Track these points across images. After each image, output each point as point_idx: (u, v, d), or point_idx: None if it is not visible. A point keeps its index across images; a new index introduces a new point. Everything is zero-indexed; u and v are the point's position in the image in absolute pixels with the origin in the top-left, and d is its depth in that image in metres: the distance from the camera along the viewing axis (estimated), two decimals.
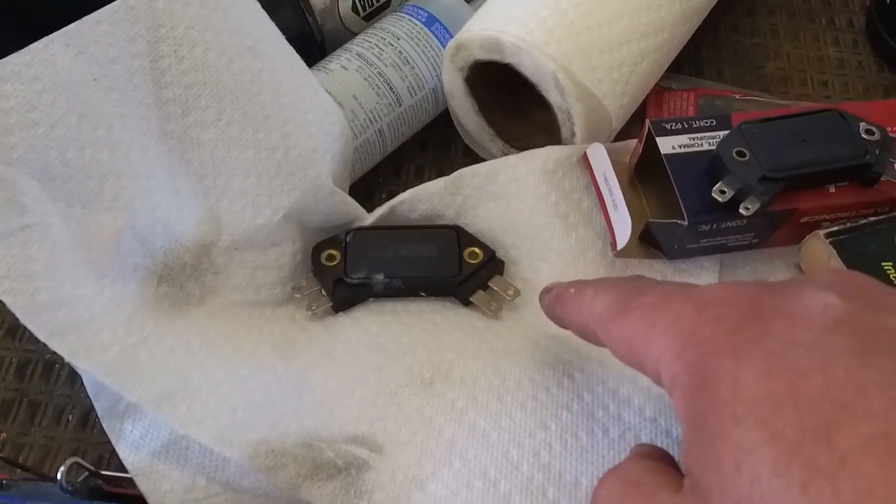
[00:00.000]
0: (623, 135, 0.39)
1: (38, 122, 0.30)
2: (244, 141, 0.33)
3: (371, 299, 0.35)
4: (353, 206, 0.36)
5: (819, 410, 0.18)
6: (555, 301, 0.29)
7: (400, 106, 0.39)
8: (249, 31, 0.34)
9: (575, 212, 0.36)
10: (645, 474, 0.23)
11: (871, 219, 0.34)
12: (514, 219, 0.36)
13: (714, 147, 0.33)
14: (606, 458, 0.28)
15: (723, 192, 0.32)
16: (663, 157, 0.33)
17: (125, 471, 0.29)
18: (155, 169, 0.33)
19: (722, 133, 0.33)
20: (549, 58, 0.35)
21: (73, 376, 0.35)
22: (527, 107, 0.40)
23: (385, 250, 0.35)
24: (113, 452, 0.30)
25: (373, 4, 0.43)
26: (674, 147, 0.34)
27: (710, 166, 0.33)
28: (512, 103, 0.41)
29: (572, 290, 0.27)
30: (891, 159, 0.33)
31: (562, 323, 0.29)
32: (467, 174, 0.37)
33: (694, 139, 0.34)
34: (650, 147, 0.34)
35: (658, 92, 0.44)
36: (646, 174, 0.35)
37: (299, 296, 0.35)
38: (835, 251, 0.33)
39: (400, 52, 0.39)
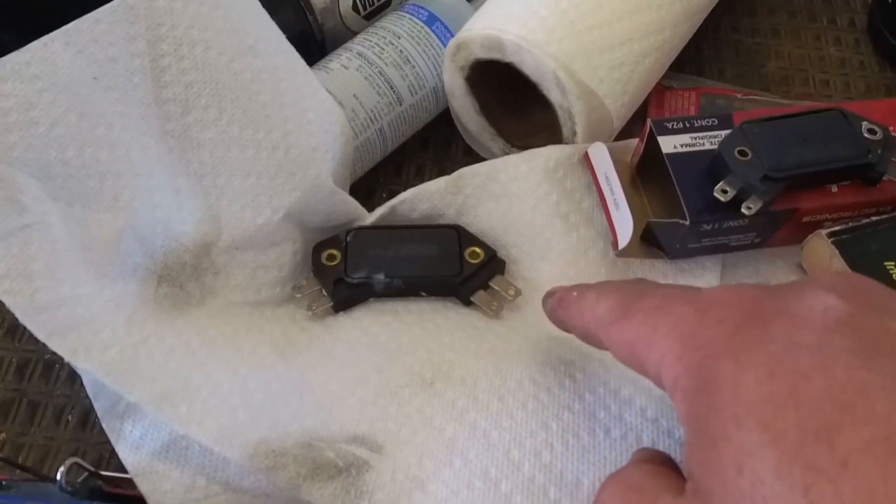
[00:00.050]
0: (624, 134, 0.39)
1: (38, 121, 0.30)
2: (244, 140, 0.33)
3: (372, 299, 0.35)
4: (353, 206, 0.36)
5: (820, 412, 0.18)
6: (557, 305, 0.29)
7: (400, 105, 0.39)
8: (250, 30, 0.34)
9: (576, 211, 0.36)
10: (646, 479, 0.23)
11: (874, 218, 0.34)
12: (515, 218, 0.36)
13: (716, 146, 0.33)
14: (608, 459, 0.27)
15: (725, 192, 0.32)
16: (665, 156, 0.33)
17: (125, 471, 0.29)
18: (155, 168, 0.32)
19: (723, 132, 0.33)
20: (550, 57, 0.34)
21: (73, 376, 0.35)
22: (528, 106, 0.40)
23: (386, 250, 0.35)
24: (113, 453, 0.30)
25: (373, 3, 0.42)
26: (675, 146, 0.33)
27: (711, 166, 0.33)
28: (513, 102, 0.41)
29: (574, 294, 0.27)
30: (893, 159, 0.33)
31: (564, 327, 0.29)
32: (468, 173, 0.36)
33: (695, 138, 0.34)
34: (652, 146, 0.34)
35: (659, 91, 0.44)
36: (647, 173, 0.35)
37: (300, 296, 0.35)
38: (837, 251, 0.33)
39: (401, 51, 0.39)
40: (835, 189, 0.33)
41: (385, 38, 0.40)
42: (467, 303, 0.35)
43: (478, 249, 0.35)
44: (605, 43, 0.35)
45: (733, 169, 0.31)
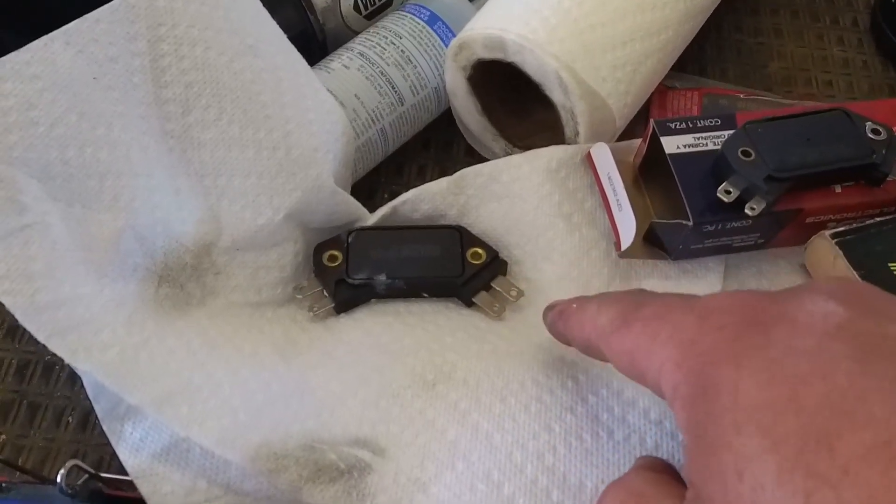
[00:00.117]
0: (627, 134, 0.39)
1: (38, 120, 0.30)
2: (245, 140, 0.33)
3: (373, 300, 0.35)
4: (354, 206, 0.36)
5: (821, 418, 0.18)
6: (557, 317, 0.29)
7: (402, 105, 0.39)
8: (250, 30, 0.34)
9: (578, 211, 0.36)
10: (647, 486, 0.23)
11: (878, 219, 0.34)
12: (517, 219, 0.36)
13: (719, 147, 0.33)
14: (611, 461, 0.27)
15: (728, 192, 0.31)
16: (668, 156, 0.33)
17: (125, 473, 0.29)
18: (155, 168, 0.32)
19: (727, 132, 0.33)
20: (552, 56, 0.34)
21: (73, 378, 0.34)
22: (530, 106, 0.40)
23: (387, 251, 0.35)
24: (113, 455, 0.30)
25: (375, 3, 0.42)
26: (678, 147, 0.33)
27: (714, 166, 0.33)
28: (515, 102, 0.41)
29: (575, 306, 0.27)
30: None
31: (565, 339, 0.28)
32: (470, 174, 0.36)
33: (698, 139, 0.34)
34: (654, 146, 0.34)
35: (662, 91, 0.44)
36: (650, 174, 0.35)
37: (301, 296, 0.35)
38: (841, 252, 0.33)
39: (402, 50, 0.39)
40: (839, 189, 0.33)
41: (386, 37, 0.39)
42: (469, 304, 0.35)
43: (480, 250, 0.35)
44: (608, 42, 0.35)
45: (737, 169, 0.31)
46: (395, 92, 0.39)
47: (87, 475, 0.28)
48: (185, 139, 0.33)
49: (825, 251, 0.34)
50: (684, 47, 0.41)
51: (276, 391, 0.30)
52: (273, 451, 0.28)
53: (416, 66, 0.39)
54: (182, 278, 0.33)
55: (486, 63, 0.37)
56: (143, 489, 0.29)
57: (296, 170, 0.34)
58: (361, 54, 0.39)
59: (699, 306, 0.23)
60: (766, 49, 0.48)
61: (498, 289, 0.35)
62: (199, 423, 0.28)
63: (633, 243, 0.33)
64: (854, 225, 0.34)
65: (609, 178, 0.35)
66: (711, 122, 0.34)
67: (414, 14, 0.40)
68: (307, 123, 0.34)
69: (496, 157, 0.41)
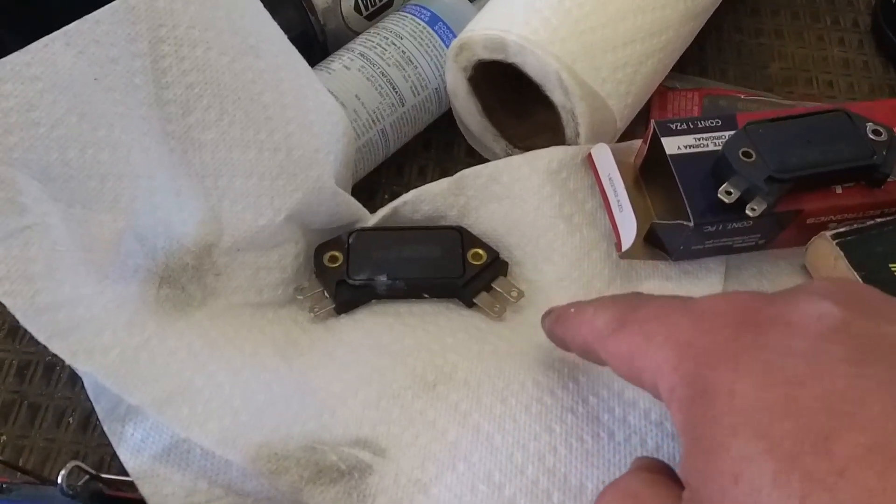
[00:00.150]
0: (627, 135, 0.39)
1: (39, 122, 0.30)
2: (246, 141, 0.33)
3: (374, 301, 0.35)
4: (355, 207, 0.36)
5: (817, 420, 0.18)
6: (555, 322, 0.29)
7: (403, 106, 0.39)
8: (251, 31, 0.34)
9: (579, 212, 0.36)
10: (644, 487, 0.23)
11: (878, 220, 0.34)
12: (517, 220, 0.36)
13: (719, 147, 0.33)
14: (612, 462, 0.27)
15: (729, 193, 0.31)
16: (668, 157, 0.33)
17: (126, 474, 0.29)
18: (156, 169, 0.32)
19: (727, 133, 0.33)
20: (553, 57, 0.34)
21: (74, 378, 0.34)
22: (531, 106, 0.40)
23: (388, 251, 0.35)
24: (114, 455, 0.30)
25: (375, 4, 0.42)
26: (679, 147, 0.33)
27: (715, 167, 0.33)
28: (515, 103, 0.41)
29: (572, 311, 0.28)
30: None
31: (563, 344, 0.28)
32: (470, 175, 0.36)
33: (699, 139, 0.34)
34: (655, 147, 0.34)
35: (662, 92, 0.44)
36: (651, 175, 0.35)
37: (301, 297, 0.35)
38: (841, 253, 0.33)
39: (403, 51, 0.39)
40: (839, 190, 0.33)
41: (387, 38, 0.39)
42: (470, 304, 0.35)
43: (480, 251, 0.35)
44: (609, 43, 0.35)
45: (737, 170, 0.31)
46: (396, 93, 0.39)
47: (87, 476, 0.28)
48: (186, 140, 0.33)
49: (826, 252, 0.34)
50: (685, 48, 0.41)
51: (276, 392, 0.30)
52: (274, 452, 0.28)
53: (416, 67, 0.39)
54: (183, 279, 0.33)
55: (487, 64, 0.37)
56: (144, 490, 0.29)
57: (297, 171, 0.34)
58: (362, 55, 0.39)
59: (695, 308, 0.23)
60: (767, 50, 0.48)
61: (499, 290, 0.35)
62: (199, 424, 0.28)
63: (633, 244, 0.33)
64: (855, 226, 0.34)
65: (610, 178, 0.35)
66: (712, 122, 0.34)
67: (415, 15, 0.40)
68: (308, 124, 0.34)
69: (497, 157, 0.41)
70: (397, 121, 0.39)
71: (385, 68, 0.38)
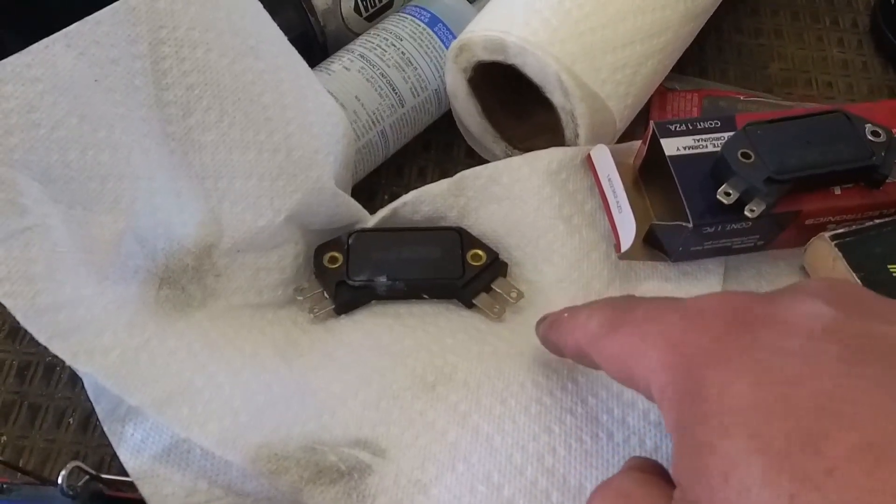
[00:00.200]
0: (627, 136, 0.39)
1: (39, 123, 0.30)
2: (246, 142, 0.33)
3: (373, 302, 0.35)
4: (355, 208, 0.36)
5: (807, 420, 0.18)
6: (549, 328, 0.29)
7: (402, 107, 0.39)
8: (251, 32, 0.34)
9: (578, 213, 0.36)
10: (635, 487, 0.23)
11: (877, 221, 0.34)
12: (517, 221, 0.36)
13: (718, 149, 0.33)
14: (611, 463, 0.27)
15: (728, 194, 0.31)
16: (668, 158, 0.33)
17: (126, 474, 0.29)
18: (156, 171, 0.32)
19: (726, 134, 0.33)
20: (552, 58, 0.34)
21: (74, 379, 0.35)
22: (530, 108, 0.40)
23: (387, 252, 0.35)
24: (114, 456, 0.30)
25: (375, 5, 0.42)
26: (678, 149, 0.33)
27: (714, 168, 0.33)
28: (515, 104, 0.41)
29: (566, 315, 0.28)
30: None
31: (557, 350, 0.29)
32: (470, 176, 0.36)
33: (698, 140, 0.34)
34: (654, 148, 0.34)
35: (662, 93, 0.44)
36: (650, 176, 0.35)
37: (301, 298, 0.35)
38: (840, 254, 0.33)
39: (402, 52, 0.39)
40: (838, 191, 0.33)
41: (387, 39, 0.39)
42: (469, 305, 0.35)
43: (480, 252, 0.35)
44: (608, 44, 0.35)
45: (736, 171, 0.31)
46: (396, 94, 0.39)
47: (87, 476, 0.28)
48: (187, 141, 0.33)
49: (825, 253, 0.34)
50: (684, 49, 0.41)
51: (276, 393, 0.30)
52: (274, 453, 0.28)
53: (416, 68, 0.39)
54: (183, 280, 0.33)
55: (487, 65, 0.37)
56: (144, 490, 0.29)
57: (296, 172, 0.34)
58: (362, 56, 0.39)
59: (688, 308, 0.23)
60: (767, 50, 0.49)
61: (498, 290, 0.35)
62: (199, 425, 0.28)
63: (632, 245, 0.33)
64: (853, 227, 0.34)
65: (609, 179, 0.35)
66: (711, 123, 0.34)
67: (414, 16, 0.40)
68: (308, 125, 0.34)
69: (496, 158, 0.41)
70: (397, 122, 0.39)
71: (385, 69, 0.39)
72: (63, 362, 0.28)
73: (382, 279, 0.34)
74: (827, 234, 0.34)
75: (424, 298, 0.35)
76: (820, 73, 0.48)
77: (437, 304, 0.35)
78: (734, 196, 0.31)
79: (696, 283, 0.35)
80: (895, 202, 0.34)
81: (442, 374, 0.31)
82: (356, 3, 0.42)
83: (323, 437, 0.29)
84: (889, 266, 0.33)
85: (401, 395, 0.30)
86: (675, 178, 0.33)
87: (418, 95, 0.40)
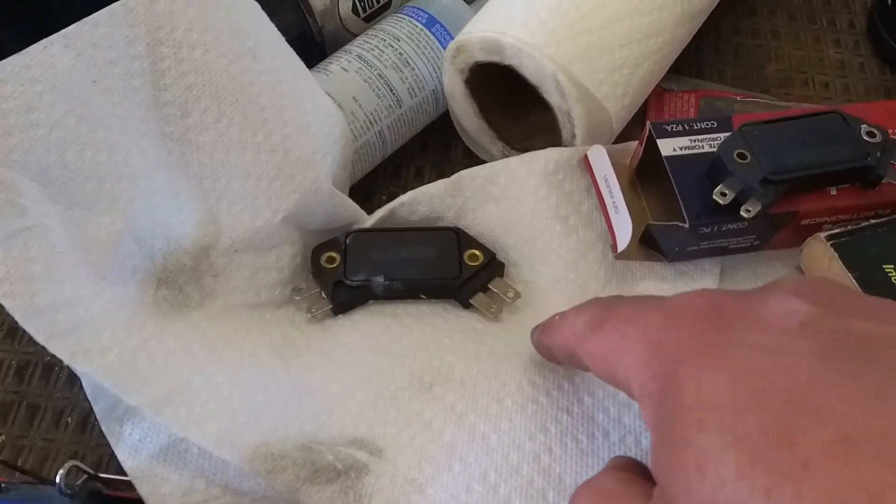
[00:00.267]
0: (624, 136, 0.39)
1: (38, 123, 0.30)
2: (243, 143, 0.33)
3: (371, 302, 0.35)
4: (352, 208, 0.36)
5: (782, 414, 0.18)
6: (541, 333, 0.29)
7: (400, 107, 0.39)
8: (249, 33, 0.34)
9: (575, 214, 0.36)
10: (616, 486, 0.23)
11: (873, 221, 0.34)
12: (514, 221, 0.36)
13: (715, 149, 0.33)
14: (607, 462, 0.27)
15: (724, 195, 0.32)
16: (664, 159, 0.33)
17: (124, 474, 0.29)
18: (154, 171, 0.32)
19: (723, 135, 0.33)
20: (549, 59, 0.34)
21: (73, 378, 0.35)
22: (527, 108, 0.40)
23: (385, 252, 0.35)
24: (112, 455, 0.30)
25: (373, 6, 0.42)
26: (674, 149, 0.34)
27: (710, 168, 0.33)
28: (512, 105, 0.41)
29: (556, 318, 0.28)
30: (892, 161, 0.33)
31: (550, 354, 0.29)
32: (467, 176, 0.36)
33: (695, 141, 0.34)
34: (651, 149, 0.34)
35: (659, 93, 0.44)
36: (646, 176, 0.35)
37: (299, 298, 0.35)
38: (836, 254, 0.33)
39: (400, 53, 0.39)
40: (834, 192, 0.33)
41: (385, 40, 0.40)
42: (466, 305, 0.35)
43: (477, 252, 0.35)
44: (605, 45, 0.35)
45: (732, 171, 0.31)
46: (393, 94, 0.39)
47: (85, 476, 0.28)
48: (184, 142, 0.33)
49: (820, 253, 0.34)
50: (681, 50, 0.41)
51: (274, 392, 0.30)
52: (271, 452, 0.28)
53: (413, 69, 0.39)
54: (181, 280, 0.33)
55: (484, 66, 0.37)
56: (142, 490, 0.29)
57: (294, 172, 0.34)
58: (360, 57, 0.39)
59: (667, 306, 0.23)
60: (764, 51, 0.49)
61: (495, 290, 0.35)
62: (197, 425, 0.28)
63: (629, 245, 0.33)
64: (849, 227, 0.34)
65: (606, 180, 0.35)
66: (708, 124, 0.35)
67: (412, 17, 0.41)
68: (306, 126, 0.35)
69: (494, 159, 0.41)
70: (394, 122, 0.39)
71: (382, 70, 0.39)
72: (61, 362, 0.28)
73: (380, 279, 0.34)
74: (823, 235, 0.34)
75: (422, 298, 0.35)
76: (817, 74, 0.48)
77: (435, 304, 0.35)
78: (730, 196, 0.31)
79: (693, 283, 0.35)
80: (891, 202, 0.34)
81: (439, 373, 0.31)
82: (354, 3, 0.42)
83: (320, 437, 0.29)
84: (885, 266, 0.33)
85: (398, 395, 0.30)
86: (672, 179, 0.33)
87: (416, 96, 0.40)
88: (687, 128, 0.34)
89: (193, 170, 0.33)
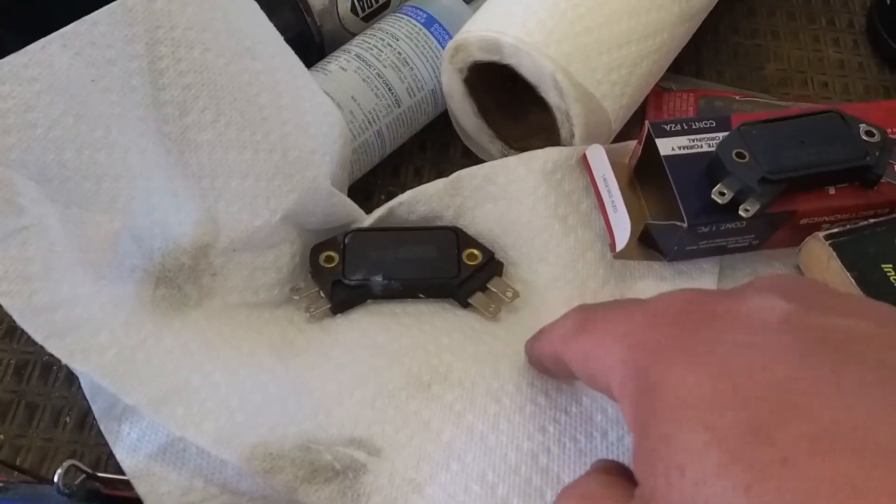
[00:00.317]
0: (622, 136, 0.39)
1: (36, 123, 0.30)
2: (242, 142, 0.33)
3: (370, 301, 0.35)
4: (351, 208, 0.36)
5: (761, 410, 0.18)
6: (533, 342, 0.29)
7: (399, 107, 0.39)
8: (248, 32, 0.34)
9: (574, 213, 0.36)
10: (599, 488, 0.23)
11: (871, 221, 0.34)
12: (513, 220, 0.36)
13: (713, 148, 0.33)
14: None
15: (722, 194, 0.32)
16: (662, 158, 0.33)
17: (122, 473, 0.29)
18: (153, 170, 0.32)
19: (721, 134, 0.33)
20: (548, 59, 0.34)
21: (71, 378, 0.35)
22: (526, 108, 0.40)
23: (384, 252, 0.35)
24: (110, 455, 0.30)
25: (372, 5, 0.42)
26: (673, 148, 0.34)
27: (709, 168, 0.33)
28: (511, 104, 0.41)
29: (545, 328, 0.28)
30: (891, 161, 0.33)
31: (541, 365, 0.29)
32: (466, 175, 0.36)
33: (693, 140, 0.34)
34: (649, 148, 0.34)
35: (658, 93, 0.44)
36: (645, 175, 0.35)
37: (297, 297, 0.35)
38: (834, 253, 0.33)
39: (399, 52, 0.39)
40: (832, 191, 0.34)
41: (383, 39, 0.40)
42: (465, 305, 0.35)
43: (476, 251, 0.35)
44: (604, 45, 0.35)
45: (731, 171, 0.31)
46: (392, 94, 0.39)
47: (84, 475, 0.28)
48: (183, 141, 0.33)
49: (819, 253, 0.34)
50: (680, 49, 0.41)
51: (273, 392, 0.30)
52: (269, 452, 0.28)
53: (412, 68, 0.39)
54: (179, 279, 0.33)
55: (483, 65, 0.37)
56: (140, 489, 0.29)
57: (293, 171, 0.34)
58: (358, 56, 0.39)
59: (646, 306, 0.23)
60: (763, 51, 0.49)
61: (494, 290, 0.35)
62: (195, 424, 0.28)
63: (628, 245, 0.33)
64: (848, 226, 0.34)
65: (604, 179, 0.35)
66: (706, 123, 0.35)
67: (411, 16, 0.41)
68: (304, 125, 0.35)
69: (492, 158, 0.41)
70: (393, 122, 0.39)
71: (381, 69, 0.39)
72: (60, 361, 0.28)
73: (378, 278, 0.34)
74: (821, 234, 0.34)
75: (420, 298, 0.35)
76: (816, 74, 0.48)
77: (433, 303, 0.35)
78: (729, 196, 0.31)
79: (692, 282, 0.35)
80: (889, 202, 0.34)
81: (437, 373, 0.31)
82: (353, 3, 0.42)
83: (318, 437, 0.29)
84: (883, 265, 0.33)
85: (396, 395, 0.30)
86: (670, 178, 0.33)
87: (414, 95, 0.40)
88: (685, 127, 0.34)
89: (192, 169, 0.33)
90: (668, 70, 0.41)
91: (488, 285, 0.35)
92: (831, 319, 0.20)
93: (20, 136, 0.30)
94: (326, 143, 0.35)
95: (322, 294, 0.35)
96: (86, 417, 0.34)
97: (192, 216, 0.33)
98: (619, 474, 0.23)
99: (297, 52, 0.35)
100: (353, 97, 0.38)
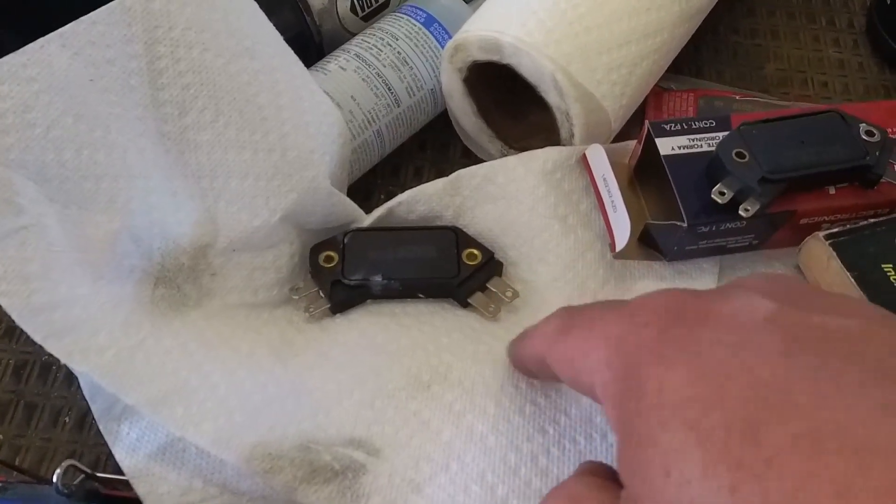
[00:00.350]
0: (622, 136, 0.39)
1: (35, 123, 0.30)
2: (241, 142, 0.33)
3: (369, 301, 0.35)
4: (351, 208, 0.36)
5: (745, 410, 0.18)
6: (517, 342, 0.29)
7: (398, 107, 0.39)
8: (247, 32, 0.34)
9: (574, 213, 0.36)
10: (586, 490, 0.23)
11: (871, 220, 0.34)
12: (512, 220, 0.36)
13: (713, 148, 0.33)
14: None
15: (722, 194, 0.32)
16: (662, 158, 0.33)
17: (122, 473, 0.29)
18: (152, 170, 0.32)
19: (721, 134, 0.33)
20: (547, 59, 0.34)
21: (70, 378, 0.35)
22: (526, 107, 0.40)
23: (383, 252, 0.35)
24: (110, 455, 0.30)
25: (371, 5, 0.42)
26: (673, 148, 0.34)
27: (709, 167, 0.33)
28: (511, 104, 0.41)
29: (528, 330, 0.28)
30: (891, 161, 0.33)
31: (524, 368, 0.29)
32: (466, 175, 0.36)
33: (693, 140, 0.34)
34: (649, 148, 0.34)
35: (657, 93, 0.44)
36: (645, 175, 0.35)
37: (297, 297, 0.35)
38: (834, 253, 0.33)
39: (398, 52, 0.39)
40: (832, 191, 0.33)
41: (383, 39, 0.40)
42: (465, 304, 0.35)
43: (475, 251, 0.35)
44: (604, 45, 0.35)
45: (731, 171, 0.31)
46: (392, 93, 0.39)
47: (83, 475, 0.28)
48: (182, 141, 0.33)
49: (819, 252, 0.34)
50: (680, 49, 0.41)
51: (272, 392, 0.30)
52: (268, 452, 0.28)
53: (412, 68, 0.39)
54: (178, 279, 0.33)
55: (482, 65, 0.37)
56: (139, 489, 0.29)
57: (292, 171, 0.34)
58: (358, 56, 0.39)
59: (629, 306, 0.23)
60: (763, 51, 0.49)
61: (493, 290, 0.35)
62: (195, 424, 0.28)
63: (627, 245, 0.33)
64: (848, 226, 0.34)
65: (604, 179, 0.35)
66: (706, 123, 0.35)
67: (410, 16, 0.40)
68: (304, 125, 0.34)
69: (492, 158, 0.41)
70: (393, 121, 0.39)
71: (381, 69, 0.39)
72: (59, 361, 0.28)
73: (378, 278, 0.34)
74: (821, 234, 0.34)
75: (420, 297, 0.35)
76: (816, 74, 0.48)
77: (433, 303, 0.35)
78: (729, 195, 0.31)
79: (692, 282, 0.35)
80: (889, 202, 0.34)
81: (437, 373, 0.31)
82: (352, 2, 0.42)
83: (318, 437, 0.29)
84: (883, 265, 0.33)
85: (396, 395, 0.30)
86: (670, 178, 0.33)
87: (414, 95, 0.40)
88: (685, 127, 0.34)
89: (191, 169, 0.33)
90: (668, 70, 0.41)
91: (488, 285, 0.35)
92: (814, 318, 0.20)
93: (19, 136, 0.30)
94: (326, 143, 0.35)
95: (321, 294, 0.34)
96: (85, 417, 0.34)
97: (192, 216, 0.33)
98: (605, 476, 0.23)
99: (296, 52, 0.35)
100: (352, 97, 0.38)
